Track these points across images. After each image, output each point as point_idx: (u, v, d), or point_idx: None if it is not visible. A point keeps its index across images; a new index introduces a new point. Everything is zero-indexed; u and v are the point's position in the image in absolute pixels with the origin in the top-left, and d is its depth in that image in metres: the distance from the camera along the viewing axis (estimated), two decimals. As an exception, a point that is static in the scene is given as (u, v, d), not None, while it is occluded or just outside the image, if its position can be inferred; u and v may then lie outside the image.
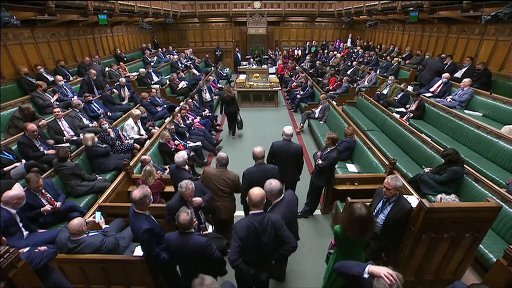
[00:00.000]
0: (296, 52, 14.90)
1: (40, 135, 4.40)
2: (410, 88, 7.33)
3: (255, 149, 3.20)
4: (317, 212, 4.31)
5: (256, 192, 2.25)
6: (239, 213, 3.61)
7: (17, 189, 2.86)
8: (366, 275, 1.64)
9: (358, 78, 9.73)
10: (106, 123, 5.02)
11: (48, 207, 3.31)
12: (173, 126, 5.39)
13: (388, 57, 10.01)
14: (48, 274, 2.38)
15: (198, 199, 2.83)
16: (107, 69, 8.46)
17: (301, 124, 7.46)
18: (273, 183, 2.49)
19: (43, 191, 3.35)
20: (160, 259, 2.50)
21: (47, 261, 2.32)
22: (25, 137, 4.17)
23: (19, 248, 2.14)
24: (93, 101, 6.03)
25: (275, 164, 3.43)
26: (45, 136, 4.62)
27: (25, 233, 2.95)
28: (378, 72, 9.33)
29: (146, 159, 4.17)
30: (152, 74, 9.27)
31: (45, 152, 4.29)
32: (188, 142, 5.51)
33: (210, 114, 7.45)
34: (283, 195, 2.57)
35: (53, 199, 3.43)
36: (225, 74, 12.45)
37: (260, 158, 3.19)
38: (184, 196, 2.70)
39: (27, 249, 2.36)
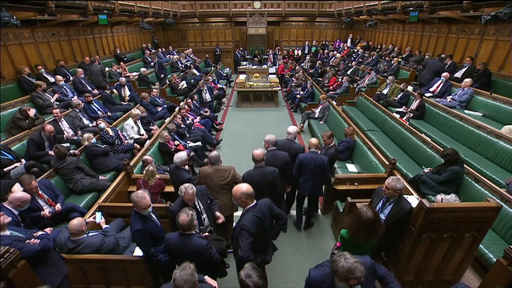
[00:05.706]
0: (296, 52, 14.90)
1: (54, 138, 4.48)
2: (410, 88, 7.33)
3: (255, 151, 3.11)
4: (317, 212, 4.30)
5: (245, 186, 2.36)
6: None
7: (22, 192, 2.89)
8: None
9: (358, 78, 9.73)
10: (102, 122, 5.03)
11: (47, 211, 3.29)
12: (174, 126, 5.39)
13: (379, 59, 10.11)
14: (34, 268, 2.21)
15: (221, 218, 2.96)
16: (107, 69, 8.46)
17: (301, 124, 7.47)
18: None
19: (39, 192, 3.33)
20: (156, 259, 2.48)
21: (24, 256, 2.10)
22: (39, 135, 4.23)
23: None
24: (93, 101, 6.03)
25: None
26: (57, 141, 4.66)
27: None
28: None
29: (148, 160, 4.17)
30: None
31: (49, 152, 4.33)
32: (188, 142, 5.51)
33: (210, 114, 7.45)
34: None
35: (51, 200, 3.41)
36: (225, 74, 12.44)
37: (260, 161, 3.11)
38: (184, 200, 2.67)
39: (8, 232, 2.32)
